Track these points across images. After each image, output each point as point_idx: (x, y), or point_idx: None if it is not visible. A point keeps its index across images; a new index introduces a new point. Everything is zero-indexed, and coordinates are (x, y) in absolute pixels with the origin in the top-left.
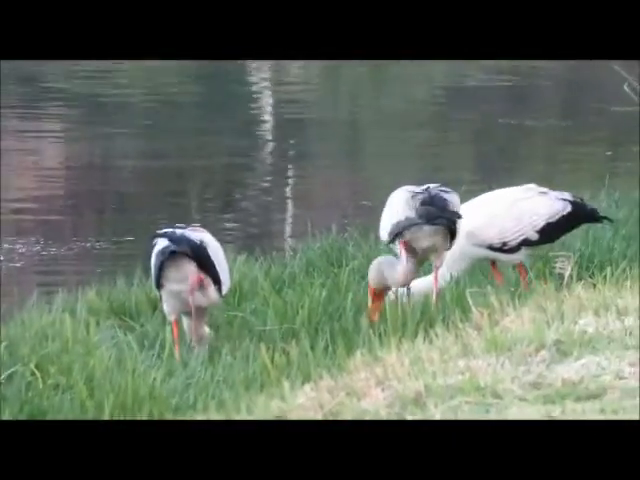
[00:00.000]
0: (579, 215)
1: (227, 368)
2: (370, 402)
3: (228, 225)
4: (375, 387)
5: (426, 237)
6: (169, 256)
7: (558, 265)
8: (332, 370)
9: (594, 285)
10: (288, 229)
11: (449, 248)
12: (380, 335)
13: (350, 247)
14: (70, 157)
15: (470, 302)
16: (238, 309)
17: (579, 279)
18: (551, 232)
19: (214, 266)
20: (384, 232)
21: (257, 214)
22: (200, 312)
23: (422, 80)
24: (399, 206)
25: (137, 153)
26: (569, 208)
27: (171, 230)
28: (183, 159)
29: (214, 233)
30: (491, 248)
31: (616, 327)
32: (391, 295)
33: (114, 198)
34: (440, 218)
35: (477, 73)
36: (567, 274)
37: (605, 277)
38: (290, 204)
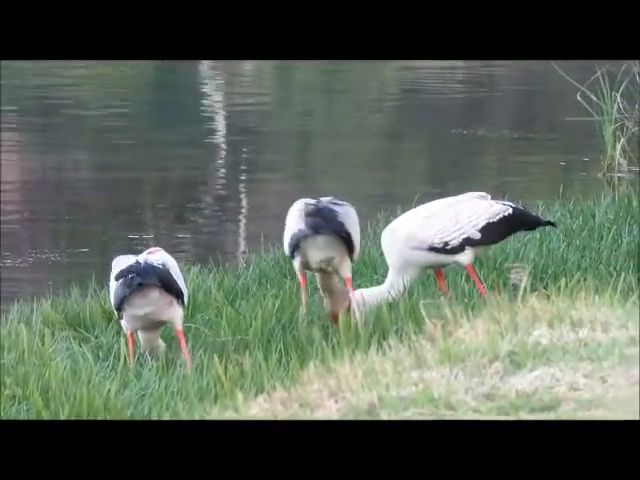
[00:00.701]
0: (521, 218)
1: (181, 379)
2: (323, 413)
3: (181, 236)
4: (328, 398)
5: (317, 248)
6: (136, 288)
7: (512, 276)
8: (285, 381)
9: (548, 296)
10: (241, 240)
11: (353, 260)
12: (333, 346)
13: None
14: (24, 168)
15: (423, 313)
16: (191, 320)
17: (533, 290)
18: (493, 232)
19: (177, 284)
20: (285, 246)
21: (210, 225)
22: (159, 325)
23: (375, 89)
24: (293, 219)
25: (90, 165)
26: (510, 210)
27: (135, 261)
28: (136, 171)
29: (168, 245)
30: (433, 249)
31: (570, 338)
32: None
33: (69, 210)
34: (324, 228)
35: (430, 82)
36: (521, 285)
37: (559, 288)
38: (243, 215)
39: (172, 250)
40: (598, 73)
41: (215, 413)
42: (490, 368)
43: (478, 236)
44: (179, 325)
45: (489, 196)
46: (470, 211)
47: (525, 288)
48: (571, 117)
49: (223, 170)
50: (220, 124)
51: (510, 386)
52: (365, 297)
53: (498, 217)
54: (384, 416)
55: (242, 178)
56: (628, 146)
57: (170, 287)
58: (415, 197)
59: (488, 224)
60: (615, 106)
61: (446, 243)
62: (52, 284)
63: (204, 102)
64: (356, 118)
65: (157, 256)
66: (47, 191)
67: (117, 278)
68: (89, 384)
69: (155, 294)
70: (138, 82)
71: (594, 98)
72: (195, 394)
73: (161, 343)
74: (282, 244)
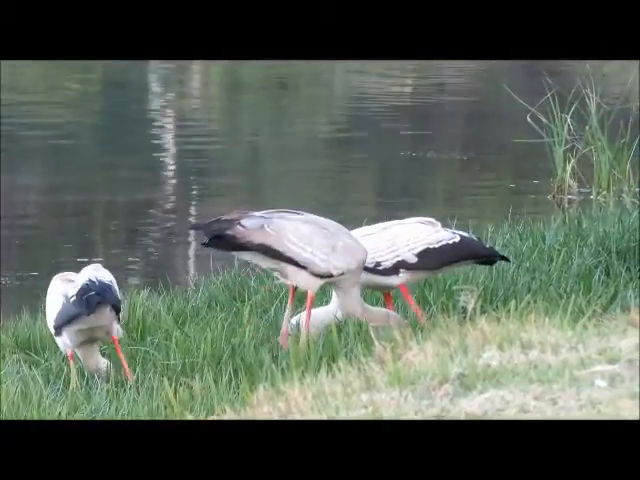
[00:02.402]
0: (469, 248)
1: (131, 402)
2: None
3: (131, 259)
4: None
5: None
6: (96, 306)
7: (462, 298)
8: (235, 404)
9: (498, 318)
10: (190, 264)
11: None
12: (283, 369)
13: (252, 282)
14: None
15: (373, 336)
16: (141, 343)
17: (483, 312)
18: (432, 258)
19: (120, 301)
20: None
21: (159, 249)
22: (97, 339)
23: (323, 109)
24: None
25: (39, 188)
26: (456, 239)
27: (89, 280)
28: (85, 194)
29: (118, 267)
30: (366, 269)
31: (520, 360)
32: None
33: (18, 233)
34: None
35: (377, 99)
36: (470, 307)
37: (509, 310)
38: (192, 238)
39: (122, 273)
40: (548, 95)
41: None
42: (440, 390)
43: (414, 260)
44: (115, 334)
45: (439, 223)
46: (410, 235)
47: (474, 310)
48: (521, 139)
49: (172, 192)
50: (169, 144)
51: (460, 408)
52: (312, 318)
53: (440, 244)
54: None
55: (192, 202)
56: (578, 168)
57: (116, 304)
58: (364, 220)
59: (427, 250)
60: (565, 127)
61: (378, 264)
62: (2, 308)
63: (153, 122)
64: (304, 136)
65: (103, 273)
66: None
67: (77, 295)
68: (40, 407)
69: (107, 311)
70: (87, 99)
71: (544, 120)
72: (145, 417)
73: (103, 360)
74: (230, 267)
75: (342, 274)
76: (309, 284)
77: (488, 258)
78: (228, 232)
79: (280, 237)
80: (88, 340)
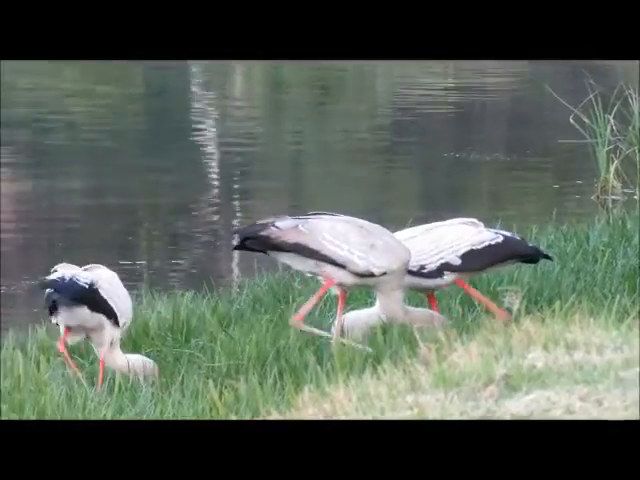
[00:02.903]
0: (512, 248)
1: (176, 405)
2: None
3: (175, 262)
4: None
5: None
6: (53, 304)
7: (507, 299)
8: (280, 406)
9: (543, 319)
10: (234, 266)
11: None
12: (327, 371)
13: (296, 283)
14: (16, 194)
15: (417, 337)
16: (186, 346)
17: (527, 313)
18: (476, 259)
19: (105, 303)
20: None
21: (204, 251)
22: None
23: (366, 111)
24: None
25: (82, 191)
26: (499, 239)
27: (59, 277)
28: (128, 197)
29: (162, 270)
30: (410, 272)
31: (565, 361)
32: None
33: (61, 236)
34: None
35: (420, 104)
36: (515, 308)
37: (554, 311)
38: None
39: (166, 276)
40: (591, 96)
41: None
42: (485, 391)
43: (458, 262)
44: (103, 344)
45: (481, 224)
46: (453, 236)
47: (519, 311)
48: (564, 140)
49: (215, 194)
50: (212, 147)
51: (505, 409)
52: (356, 319)
53: (483, 245)
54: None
55: (235, 204)
56: (622, 168)
57: (95, 304)
58: (409, 220)
59: (471, 251)
60: (608, 128)
61: (422, 267)
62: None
63: (196, 125)
64: (347, 141)
65: (88, 274)
66: (40, 216)
67: (40, 287)
68: (84, 410)
69: (82, 311)
70: (129, 104)
71: (587, 121)
72: (190, 419)
73: (127, 357)
74: (274, 269)
75: (384, 274)
76: (342, 284)
77: (532, 257)
78: (262, 233)
79: (315, 235)
80: (94, 340)
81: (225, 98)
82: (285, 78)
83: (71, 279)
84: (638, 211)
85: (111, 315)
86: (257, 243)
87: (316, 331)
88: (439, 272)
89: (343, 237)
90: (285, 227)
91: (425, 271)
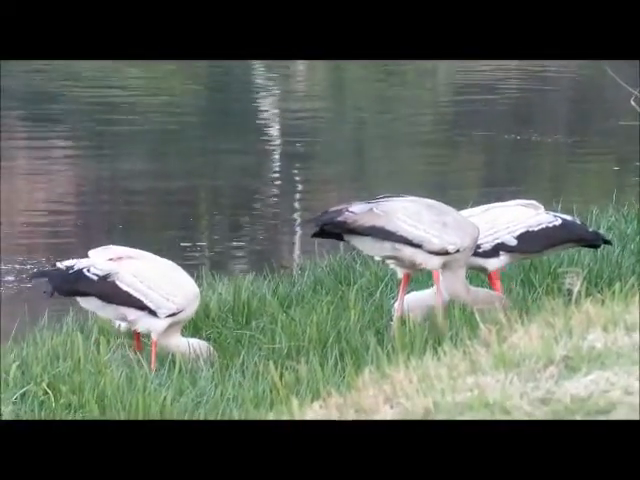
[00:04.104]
0: (570, 232)
1: (236, 386)
2: (379, 419)
3: (236, 244)
4: (384, 404)
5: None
6: (51, 293)
7: (567, 281)
8: (341, 387)
9: (602, 301)
10: (296, 248)
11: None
12: (388, 352)
13: (358, 265)
14: (78, 177)
15: (478, 319)
16: (246, 327)
17: (587, 295)
18: (532, 240)
19: (126, 295)
20: None
21: (265, 233)
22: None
23: (426, 96)
24: None
25: (146, 174)
26: (557, 222)
27: (64, 266)
28: (191, 179)
29: (223, 252)
30: None
31: (624, 342)
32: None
33: (122, 218)
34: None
35: (480, 85)
36: (576, 290)
37: (613, 293)
38: (298, 223)
39: (228, 258)
40: None
41: (270, 419)
42: (545, 372)
43: (513, 242)
44: (152, 334)
45: (541, 206)
46: (510, 217)
47: (579, 293)
48: (624, 121)
49: (278, 179)
50: (274, 131)
51: (565, 390)
52: (417, 300)
53: (540, 227)
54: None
55: (297, 187)
56: None
57: (109, 296)
58: (469, 203)
59: (527, 232)
60: None
61: (478, 245)
62: None
63: (258, 109)
64: (408, 126)
65: (109, 264)
66: (102, 199)
67: (32, 277)
68: (145, 392)
69: (94, 301)
70: (189, 88)
71: None
72: (251, 401)
73: (187, 340)
74: (335, 251)
75: (457, 251)
76: (428, 263)
77: (592, 241)
78: (338, 219)
79: (390, 217)
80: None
81: (289, 88)
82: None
83: (77, 270)
84: None
85: (140, 307)
86: (335, 228)
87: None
88: (495, 251)
89: (417, 217)
90: (360, 211)
91: (480, 250)
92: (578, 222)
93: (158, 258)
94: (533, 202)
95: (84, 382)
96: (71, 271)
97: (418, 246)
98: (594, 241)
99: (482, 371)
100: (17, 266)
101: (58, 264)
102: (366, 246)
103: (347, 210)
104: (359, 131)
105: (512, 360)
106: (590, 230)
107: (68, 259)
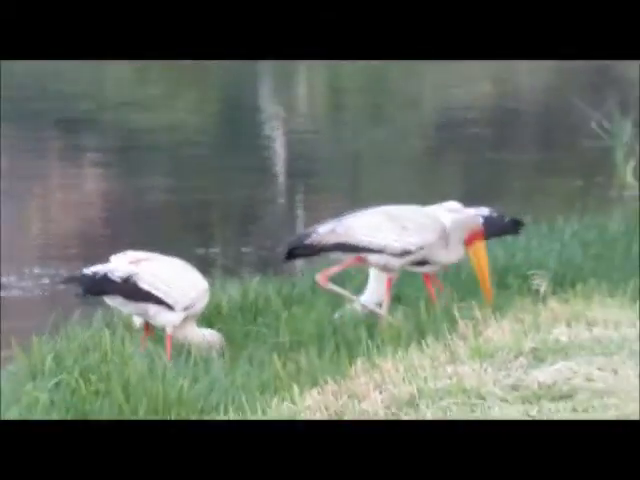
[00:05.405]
0: (493, 226)
1: (245, 375)
2: (369, 404)
3: (244, 250)
4: (374, 390)
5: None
6: (83, 297)
7: (535, 282)
8: (336, 376)
9: (566, 299)
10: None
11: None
12: (378, 345)
13: (351, 269)
14: (104, 191)
15: (457, 315)
16: (253, 323)
17: (553, 294)
18: None
19: (147, 293)
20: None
21: (271, 240)
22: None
23: (410, 116)
24: None
25: (163, 189)
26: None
27: (91, 272)
28: (203, 193)
29: (233, 258)
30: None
31: (585, 336)
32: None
33: (140, 226)
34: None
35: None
36: (543, 290)
37: (576, 292)
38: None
39: (237, 263)
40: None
41: (274, 404)
42: (515, 362)
43: None
44: (167, 327)
45: (461, 206)
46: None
47: (546, 292)
48: (586, 141)
49: (283, 192)
50: (278, 146)
51: (533, 378)
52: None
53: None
54: (422, 406)
55: (299, 200)
56: (638, 167)
57: (132, 295)
58: None
59: None
60: (626, 130)
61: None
62: None
63: (262, 128)
64: (393, 145)
65: (130, 267)
66: (127, 208)
67: (64, 282)
68: (164, 380)
69: (118, 300)
70: (202, 108)
71: (606, 124)
72: (257, 388)
73: (202, 331)
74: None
75: (422, 248)
76: (396, 264)
77: (511, 232)
78: (305, 242)
79: (350, 233)
80: (152, 322)
81: (290, 98)
82: (343, 77)
83: (102, 275)
84: None
85: (159, 302)
86: (304, 251)
87: (340, 290)
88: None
89: (376, 227)
90: (323, 232)
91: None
92: (495, 215)
93: (171, 258)
94: (453, 203)
95: (111, 372)
96: (97, 275)
97: (381, 252)
98: (513, 231)
99: (460, 361)
100: (52, 270)
101: (85, 270)
102: (338, 257)
103: (314, 232)
104: (356, 144)
105: (487, 351)
106: (507, 220)
107: (94, 265)
